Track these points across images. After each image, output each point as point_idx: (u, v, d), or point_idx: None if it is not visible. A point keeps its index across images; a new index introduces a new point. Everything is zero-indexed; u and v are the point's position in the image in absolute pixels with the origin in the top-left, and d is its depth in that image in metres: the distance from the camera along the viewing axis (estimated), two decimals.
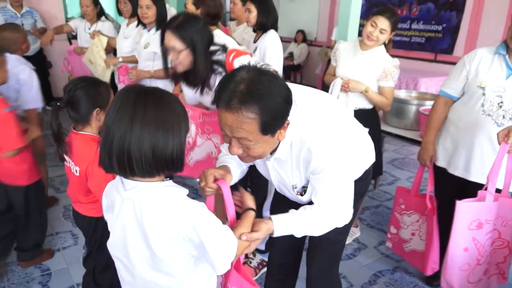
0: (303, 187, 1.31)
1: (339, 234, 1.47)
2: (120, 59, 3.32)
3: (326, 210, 1.22)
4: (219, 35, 2.17)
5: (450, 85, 2.01)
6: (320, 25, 7.64)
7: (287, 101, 1.08)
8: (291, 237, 1.26)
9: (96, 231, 1.69)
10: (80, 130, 1.59)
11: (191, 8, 2.26)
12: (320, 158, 1.16)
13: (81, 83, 1.56)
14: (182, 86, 2.08)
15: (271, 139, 1.10)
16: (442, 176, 2.07)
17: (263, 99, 1.01)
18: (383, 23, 2.20)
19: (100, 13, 3.90)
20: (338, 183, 1.21)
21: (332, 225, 1.26)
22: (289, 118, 1.12)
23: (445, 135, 2.06)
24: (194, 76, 1.88)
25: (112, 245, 1.06)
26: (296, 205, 1.30)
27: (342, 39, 3.72)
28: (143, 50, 2.97)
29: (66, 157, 1.60)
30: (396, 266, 2.50)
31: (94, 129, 1.60)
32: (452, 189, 2.03)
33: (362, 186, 1.50)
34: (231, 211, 1.15)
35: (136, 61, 3.21)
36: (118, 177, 0.99)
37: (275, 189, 1.55)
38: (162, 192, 0.94)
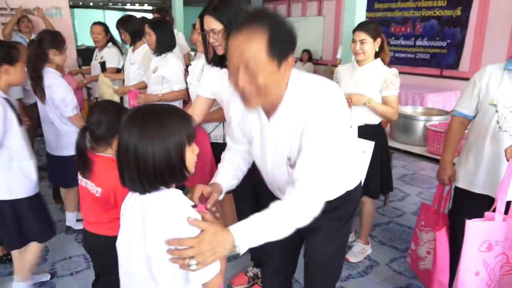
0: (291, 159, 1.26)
1: (336, 258, 1.48)
2: (131, 88, 3.41)
3: (298, 193, 1.14)
4: None
5: (463, 105, 2.01)
6: (325, 45, 7.74)
7: (293, 33, 1.14)
8: (283, 254, 1.24)
9: (109, 251, 1.70)
10: (100, 152, 1.63)
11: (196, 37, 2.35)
12: (314, 126, 1.14)
13: (108, 106, 1.63)
14: (208, 81, 2.07)
15: (275, 71, 1.10)
16: (463, 197, 2.04)
17: (272, 19, 1.09)
18: (359, 35, 2.39)
19: (109, 40, 4.02)
20: (320, 161, 1.15)
21: (302, 212, 1.16)
22: (295, 83, 1.18)
23: (465, 157, 2.02)
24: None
25: (119, 244, 1.12)
26: None
27: (347, 57, 3.77)
28: (152, 74, 3.05)
29: (82, 178, 1.63)
30: (408, 284, 2.46)
31: (114, 152, 1.64)
32: (474, 209, 1.93)
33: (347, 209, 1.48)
34: None
35: (146, 87, 3.30)
36: None
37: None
38: (168, 197, 1.01)
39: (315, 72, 7.71)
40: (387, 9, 6.34)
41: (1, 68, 1.98)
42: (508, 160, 1.68)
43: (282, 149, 1.27)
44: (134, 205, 1.05)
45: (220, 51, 1.87)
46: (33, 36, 4.94)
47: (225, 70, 1.96)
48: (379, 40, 2.42)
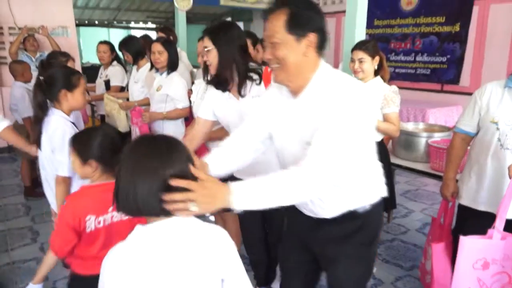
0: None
1: (362, 284, 1.45)
2: (136, 104, 3.46)
3: (306, 164, 1.15)
4: None
5: (465, 122, 2.03)
6: (326, 61, 7.80)
7: (314, 14, 1.25)
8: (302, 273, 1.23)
9: None
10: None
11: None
12: (337, 110, 1.19)
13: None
14: (209, 102, 2.09)
15: (296, 44, 1.23)
16: (466, 214, 2.04)
17: (293, 2, 1.24)
18: (357, 54, 2.43)
19: (114, 59, 4.09)
20: (334, 141, 1.16)
21: (307, 182, 1.15)
22: (325, 70, 1.28)
23: (468, 174, 2.03)
24: (219, 76, 1.95)
25: None
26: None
27: (347, 74, 3.79)
28: (156, 92, 3.09)
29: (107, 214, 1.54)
30: None
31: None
32: (478, 226, 1.92)
33: (375, 221, 1.47)
34: None
35: (149, 103, 3.34)
36: None
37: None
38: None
39: None
40: (387, 25, 6.42)
41: (60, 94, 1.99)
42: (510, 177, 1.67)
43: (302, 132, 1.29)
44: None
45: (211, 71, 1.96)
46: (38, 54, 5.04)
47: (227, 94, 2.00)
48: (377, 58, 2.45)
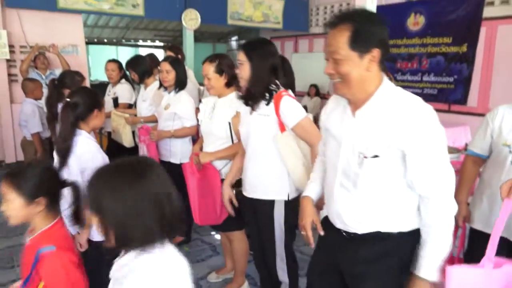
0: (375, 156, 1.29)
1: None
2: (142, 120, 3.48)
3: (437, 199, 1.28)
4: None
5: (477, 144, 2.00)
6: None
7: (378, 31, 1.26)
8: None
9: None
10: None
11: (214, 77, 2.45)
12: (418, 126, 1.23)
13: None
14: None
15: (359, 60, 1.25)
16: (478, 238, 1.98)
17: (357, 18, 1.25)
18: None
19: (122, 77, 4.13)
20: (442, 164, 1.27)
21: (449, 218, 1.30)
22: (388, 86, 1.30)
23: (480, 197, 1.99)
24: (251, 90, 1.99)
25: None
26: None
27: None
28: (164, 111, 3.10)
29: None
30: None
31: None
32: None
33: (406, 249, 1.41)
34: None
35: (155, 121, 3.35)
36: None
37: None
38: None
39: (322, 107, 7.77)
40: (393, 45, 6.46)
41: (93, 113, 2.06)
42: (502, 199, 1.50)
43: (358, 143, 1.32)
44: None
45: (242, 84, 2.02)
46: (48, 72, 5.11)
47: (249, 108, 2.06)
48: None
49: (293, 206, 1.95)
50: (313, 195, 1.63)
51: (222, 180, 2.37)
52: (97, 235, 2.09)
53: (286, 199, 2.03)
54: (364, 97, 1.31)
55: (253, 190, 2.08)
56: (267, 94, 1.97)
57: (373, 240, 1.39)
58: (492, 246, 1.46)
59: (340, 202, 1.42)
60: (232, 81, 2.48)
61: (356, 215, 1.40)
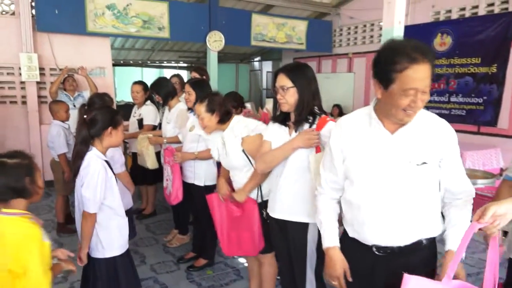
0: (423, 162, 1.41)
1: None
2: (165, 141, 3.50)
3: (469, 195, 1.51)
4: (238, 120, 2.51)
5: None
6: (356, 99, 7.77)
7: None
8: None
9: None
10: None
11: (206, 116, 2.55)
12: (452, 135, 1.45)
13: None
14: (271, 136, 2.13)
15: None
16: None
17: (432, 55, 1.34)
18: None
19: (148, 98, 4.18)
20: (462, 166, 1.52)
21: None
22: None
23: None
24: (297, 114, 1.97)
25: None
26: None
27: None
28: (188, 132, 3.10)
29: None
30: None
31: None
32: None
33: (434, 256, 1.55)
34: None
35: (178, 142, 3.37)
36: None
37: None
38: None
39: None
40: None
41: (106, 131, 2.07)
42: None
43: (406, 153, 1.42)
44: None
45: (284, 108, 1.98)
46: (76, 94, 5.24)
47: (285, 128, 2.04)
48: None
49: None
50: (338, 243, 1.59)
51: (259, 204, 2.36)
52: (96, 251, 2.10)
53: None
54: None
55: (286, 211, 2.03)
56: (310, 117, 1.98)
57: (412, 250, 1.46)
58: (451, 269, 1.31)
59: (387, 217, 1.44)
60: (225, 118, 2.55)
61: (403, 227, 1.45)
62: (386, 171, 1.44)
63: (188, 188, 3.19)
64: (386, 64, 1.33)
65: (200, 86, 3.14)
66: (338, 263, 1.55)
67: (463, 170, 1.50)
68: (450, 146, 1.45)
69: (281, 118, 2.03)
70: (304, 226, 1.99)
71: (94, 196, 1.99)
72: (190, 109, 3.15)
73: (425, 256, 1.51)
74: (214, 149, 2.65)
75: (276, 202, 2.06)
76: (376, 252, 1.48)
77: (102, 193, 2.01)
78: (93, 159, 2.02)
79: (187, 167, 3.18)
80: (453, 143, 1.45)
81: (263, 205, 2.31)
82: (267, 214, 2.18)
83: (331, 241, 1.59)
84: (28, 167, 1.58)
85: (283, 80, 1.93)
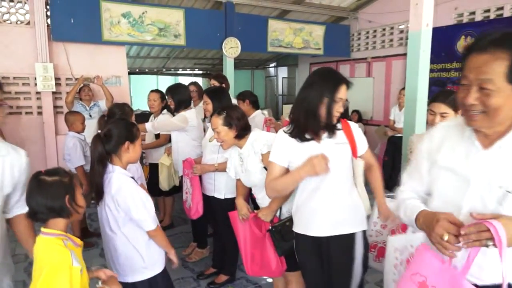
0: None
1: None
2: (188, 157, 3.39)
3: None
4: (257, 137, 2.40)
5: None
6: (375, 104, 7.56)
7: None
8: None
9: None
10: None
11: (223, 130, 2.43)
12: None
13: None
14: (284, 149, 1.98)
15: (510, 97, 1.11)
16: None
17: None
18: (439, 107, 2.18)
19: (164, 107, 4.06)
20: None
21: None
22: None
23: None
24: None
25: None
26: None
27: (410, 124, 3.56)
28: (208, 143, 2.99)
29: None
30: None
31: None
32: None
33: None
34: None
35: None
36: None
37: None
38: None
39: (365, 132, 7.47)
40: (442, 69, 6.14)
41: (123, 147, 1.95)
42: None
43: (498, 177, 1.18)
44: None
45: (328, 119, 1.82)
46: (92, 103, 5.17)
47: (308, 142, 1.87)
48: (459, 113, 2.19)
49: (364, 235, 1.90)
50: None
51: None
52: (136, 274, 1.97)
53: (366, 228, 1.92)
54: (502, 129, 1.19)
55: (330, 226, 1.87)
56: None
57: None
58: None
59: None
60: (242, 133, 2.41)
61: (490, 263, 1.20)
62: (468, 196, 1.24)
63: (208, 200, 3.06)
64: None
65: (218, 96, 3.03)
66: (437, 216, 1.22)
67: None
68: None
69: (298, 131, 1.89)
70: (350, 238, 1.87)
71: (148, 213, 1.91)
72: (205, 117, 3.07)
73: None
74: (231, 167, 2.54)
75: (315, 218, 1.89)
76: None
77: (151, 205, 1.94)
78: (122, 180, 1.91)
79: (207, 179, 3.05)
80: None
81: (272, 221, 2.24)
82: (271, 229, 2.13)
83: (420, 206, 1.36)
84: (68, 186, 1.48)
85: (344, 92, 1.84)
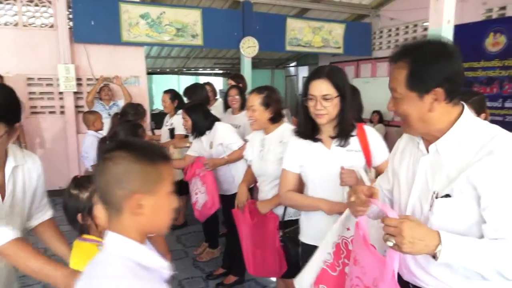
0: (447, 195, 1.13)
1: None
2: (187, 144, 3.40)
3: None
4: (287, 127, 2.27)
5: None
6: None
7: (440, 69, 1.10)
8: None
9: None
10: None
11: (259, 109, 2.29)
12: (504, 166, 1.04)
13: None
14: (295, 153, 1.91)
15: (418, 101, 1.13)
16: None
17: (415, 55, 1.13)
18: None
19: (178, 107, 4.08)
20: None
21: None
22: (468, 121, 1.14)
23: None
24: (341, 127, 1.73)
25: None
26: None
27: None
28: (210, 150, 3.08)
29: None
30: None
31: None
32: None
33: None
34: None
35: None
36: None
37: None
38: None
39: (386, 134, 7.30)
40: (468, 68, 5.90)
41: None
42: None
43: (431, 182, 1.19)
44: None
45: (323, 121, 1.70)
46: (111, 103, 5.27)
47: (319, 144, 1.79)
48: (483, 116, 2.07)
49: None
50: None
51: (280, 223, 2.19)
52: None
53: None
54: (435, 134, 1.18)
55: None
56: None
57: None
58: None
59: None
60: (277, 118, 2.31)
61: (424, 267, 1.24)
62: (410, 199, 1.29)
63: (228, 200, 3.03)
64: None
65: (197, 111, 3.05)
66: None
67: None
68: (493, 178, 1.06)
69: (310, 132, 1.79)
70: None
71: None
72: (187, 135, 3.11)
73: None
74: (249, 149, 2.47)
75: (324, 229, 1.83)
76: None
77: None
78: None
79: (226, 179, 3.08)
80: (499, 174, 1.08)
81: (283, 224, 2.17)
82: (284, 234, 2.09)
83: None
84: (85, 201, 1.43)
85: (326, 88, 1.66)
